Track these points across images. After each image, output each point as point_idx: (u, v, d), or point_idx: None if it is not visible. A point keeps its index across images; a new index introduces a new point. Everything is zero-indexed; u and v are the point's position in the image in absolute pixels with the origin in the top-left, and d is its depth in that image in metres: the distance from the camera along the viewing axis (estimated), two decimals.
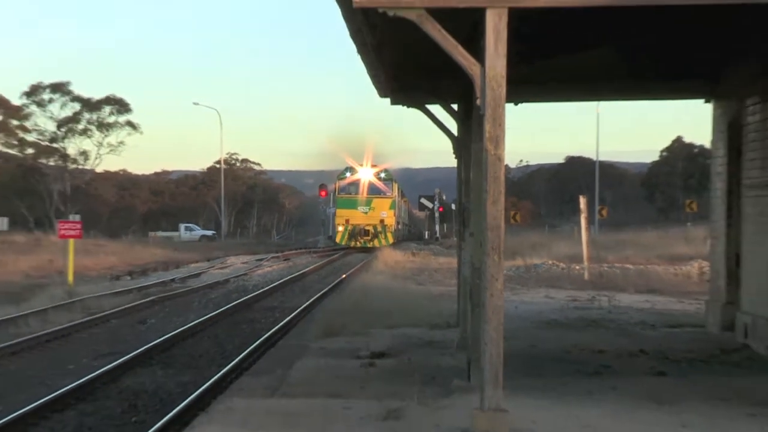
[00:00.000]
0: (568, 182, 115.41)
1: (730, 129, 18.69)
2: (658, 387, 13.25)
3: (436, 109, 18.21)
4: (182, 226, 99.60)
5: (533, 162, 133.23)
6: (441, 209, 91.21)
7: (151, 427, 12.68)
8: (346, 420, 11.42)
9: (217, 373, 16.62)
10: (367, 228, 68.46)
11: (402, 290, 28.98)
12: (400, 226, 75.86)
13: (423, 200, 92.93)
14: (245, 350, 19.37)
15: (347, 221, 68.61)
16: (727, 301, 18.63)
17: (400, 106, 18.67)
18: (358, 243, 67.93)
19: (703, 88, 19.40)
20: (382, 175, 70.27)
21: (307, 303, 28.98)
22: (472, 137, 15.00)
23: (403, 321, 20.77)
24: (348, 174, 70.35)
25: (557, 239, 52.20)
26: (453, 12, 10.08)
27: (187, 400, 14.26)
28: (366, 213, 68.63)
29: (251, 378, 15.80)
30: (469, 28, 10.43)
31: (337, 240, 69.85)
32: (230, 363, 17.74)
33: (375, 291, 28.11)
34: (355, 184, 69.81)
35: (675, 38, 14.52)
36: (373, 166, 70.24)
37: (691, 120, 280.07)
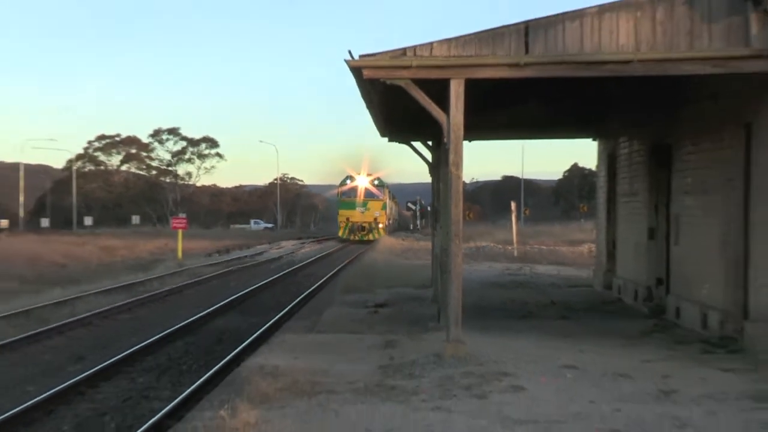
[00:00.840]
0: (504, 192, 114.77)
1: (609, 158, 18.67)
2: (563, 326, 13.22)
3: (417, 144, 18.16)
4: (252, 221, 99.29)
5: (481, 179, 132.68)
6: (422, 210, 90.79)
7: (231, 352, 12.68)
8: (360, 348, 11.40)
9: (274, 317, 16.61)
10: (363, 225, 60.02)
11: (395, 263, 28.87)
12: (390, 222, 68.08)
13: (409, 204, 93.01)
14: (292, 302, 19.35)
15: (348, 219, 60.33)
16: (607, 270, 18.60)
17: (394, 143, 18.59)
18: (356, 237, 59.42)
19: (593, 130, 19.38)
20: (376, 182, 61.74)
21: (333, 271, 28.92)
22: (441, 163, 14.93)
23: (396, 283, 20.71)
24: (348, 181, 61.59)
25: (497, 230, 51.85)
26: (428, 81, 10.11)
27: (255, 335, 14.26)
28: (363, 213, 60.08)
29: (296, 321, 15.78)
30: (439, 91, 10.37)
31: (339, 234, 61.09)
32: (283, 311, 17.72)
33: (377, 263, 28.04)
34: (354, 189, 61.02)
35: (576, 99, 14.46)
36: (369, 174, 61.50)
37: (584, 151, 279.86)
